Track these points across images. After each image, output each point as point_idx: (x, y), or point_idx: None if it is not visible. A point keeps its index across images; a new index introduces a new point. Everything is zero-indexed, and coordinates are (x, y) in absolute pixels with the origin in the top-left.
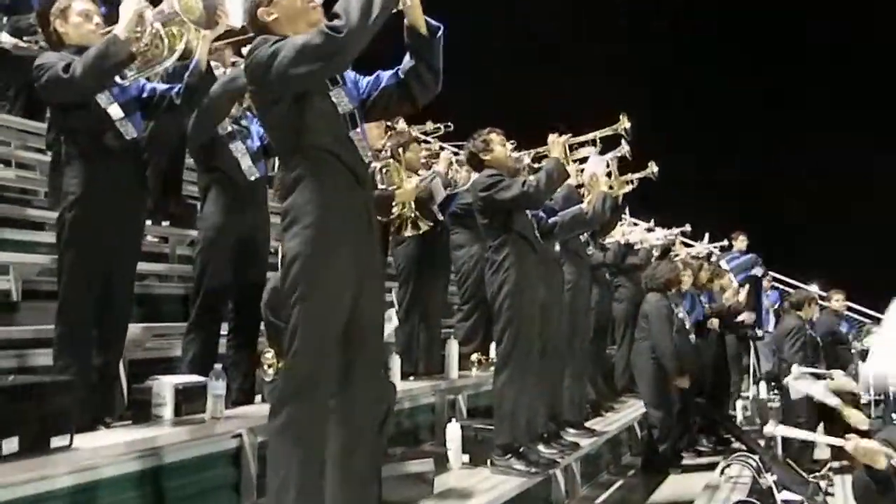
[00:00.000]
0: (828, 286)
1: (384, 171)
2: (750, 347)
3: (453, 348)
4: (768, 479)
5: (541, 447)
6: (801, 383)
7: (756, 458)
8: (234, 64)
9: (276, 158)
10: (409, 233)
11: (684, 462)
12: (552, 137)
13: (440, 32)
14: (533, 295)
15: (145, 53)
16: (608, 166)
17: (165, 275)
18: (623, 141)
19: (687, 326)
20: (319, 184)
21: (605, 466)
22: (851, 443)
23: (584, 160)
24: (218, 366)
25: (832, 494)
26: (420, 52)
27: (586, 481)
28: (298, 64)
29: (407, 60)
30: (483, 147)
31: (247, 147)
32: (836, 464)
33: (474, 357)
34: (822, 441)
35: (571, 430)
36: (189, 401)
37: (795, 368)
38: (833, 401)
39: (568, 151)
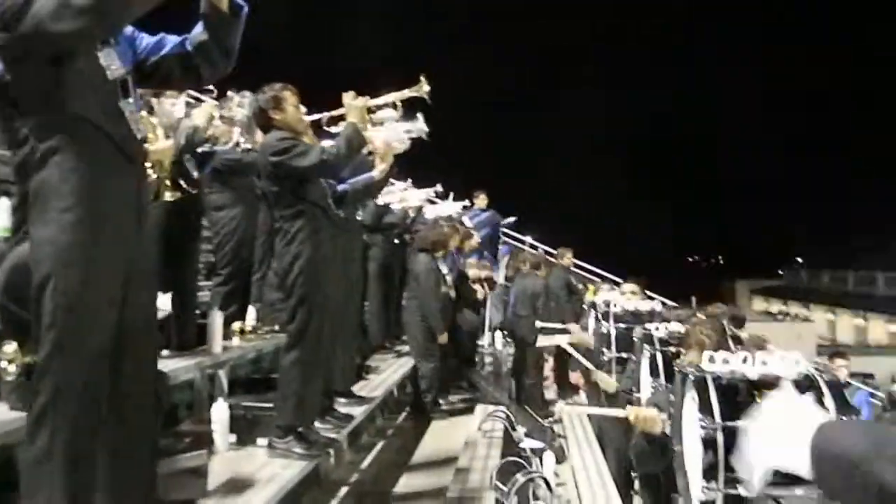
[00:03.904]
0: (542, 239)
1: None
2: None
3: (217, 319)
4: (520, 433)
5: (316, 422)
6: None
7: (505, 411)
8: None
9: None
10: (168, 197)
11: (443, 408)
12: (348, 99)
13: (244, 12)
14: (327, 269)
15: None
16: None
17: None
18: (420, 118)
19: (448, 283)
20: (79, 161)
21: (364, 429)
22: (632, 413)
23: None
24: None
25: (565, 437)
26: (215, 29)
27: (349, 446)
28: (59, 19)
29: (198, 32)
30: (273, 105)
31: None
32: (563, 404)
33: (236, 326)
34: (604, 413)
35: (342, 400)
36: None
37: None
38: (586, 363)
39: (366, 115)
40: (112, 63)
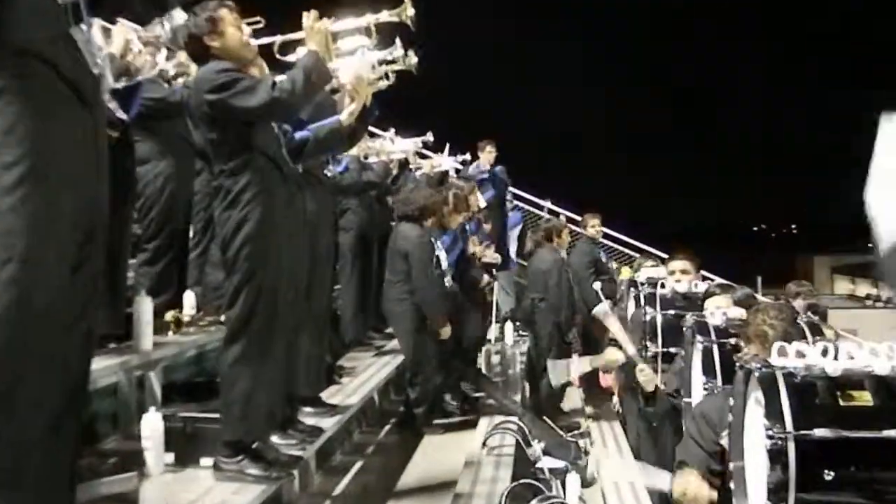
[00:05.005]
0: (561, 202)
1: None
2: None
3: (145, 307)
4: (536, 449)
5: (275, 438)
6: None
7: (517, 422)
8: None
9: None
10: None
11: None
12: (309, 21)
13: None
14: (282, 239)
15: None
16: (374, 68)
17: None
18: (399, 44)
19: (444, 267)
20: (26, 104)
21: (337, 446)
22: (678, 490)
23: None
24: None
25: (594, 454)
26: None
27: (318, 468)
28: None
29: None
30: (209, 28)
31: None
32: (589, 409)
33: (169, 316)
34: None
35: (309, 409)
36: None
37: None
38: (630, 349)
39: (331, 42)
40: None
